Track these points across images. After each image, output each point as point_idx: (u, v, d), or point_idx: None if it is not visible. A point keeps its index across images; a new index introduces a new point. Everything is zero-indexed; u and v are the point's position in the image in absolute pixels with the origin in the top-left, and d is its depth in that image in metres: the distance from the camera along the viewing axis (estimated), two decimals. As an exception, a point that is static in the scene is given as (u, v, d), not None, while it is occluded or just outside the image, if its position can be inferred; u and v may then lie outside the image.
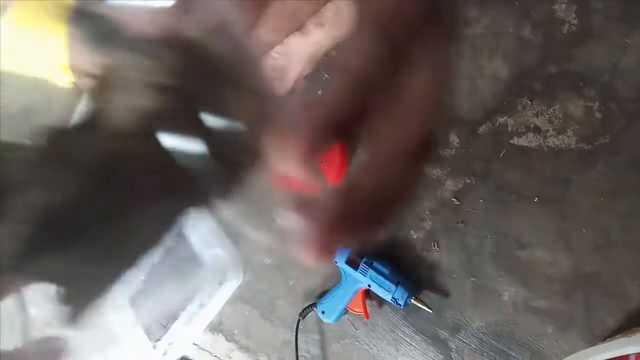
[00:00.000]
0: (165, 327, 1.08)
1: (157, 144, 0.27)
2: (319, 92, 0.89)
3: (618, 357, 0.55)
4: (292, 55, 0.82)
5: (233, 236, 1.01)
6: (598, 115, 0.66)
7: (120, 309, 1.11)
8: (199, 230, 1.03)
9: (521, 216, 0.72)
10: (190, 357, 1.07)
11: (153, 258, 1.00)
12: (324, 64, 0.86)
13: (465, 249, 0.76)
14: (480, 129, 0.75)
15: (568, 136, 0.68)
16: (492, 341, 0.74)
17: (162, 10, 0.30)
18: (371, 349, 0.85)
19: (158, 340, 1.09)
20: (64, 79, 1.05)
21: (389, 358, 0.83)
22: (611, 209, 0.66)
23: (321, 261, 0.25)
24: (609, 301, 0.66)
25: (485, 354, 0.75)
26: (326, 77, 0.88)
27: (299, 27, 0.81)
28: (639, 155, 0.65)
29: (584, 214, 0.68)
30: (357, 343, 0.86)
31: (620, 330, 0.65)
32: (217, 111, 0.28)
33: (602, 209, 0.66)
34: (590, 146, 0.67)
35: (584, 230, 0.68)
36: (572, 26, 0.68)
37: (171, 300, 1.07)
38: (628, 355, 0.55)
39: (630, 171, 0.65)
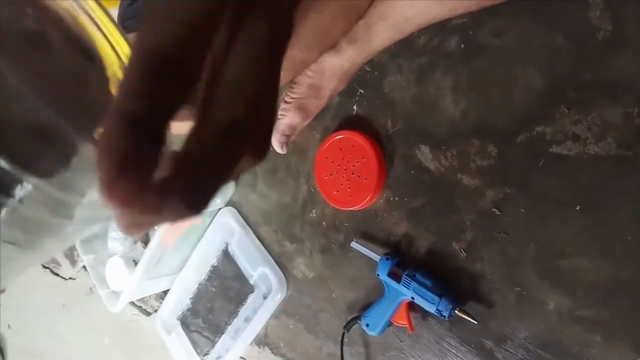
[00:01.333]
0: (213, 342, 1.11)
1: None
2: (354, 108, 0.91)
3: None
4: (326, 72, 0.84)
5: (276, 254, 1.03)
6: (637, 121, 0.65)
7: (171, 327, 1.16)
8: (245, 250, 1.06)
9: (562, 225, 0.72)
10: (238, 371, 1.10)
11: (201, 278, 1.05)
12: (358, 79, 0.89)
13: (508, 258, 0.76)
14: (519, 139, 0.75)
15: (608, 143, 0.68)
16: (539, 351, 0.74)
17: None
18: (417, 360, 0.86)
19: (206, 354, 1.12)
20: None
21: (434, 369, 0.84)
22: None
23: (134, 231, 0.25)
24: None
25: (532, 364, 0.75)
26: (361, 92, 0.90)
27: (332, 45, 0.82)
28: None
29: (625, 221, 0.67)
30: (402, 355, 0.87)
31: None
32: None
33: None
34: (630, 152, 0.66)
35: (628, 237, 0.67)
36: (606, 33, 0.67)
37: (218, 316, 1.10)
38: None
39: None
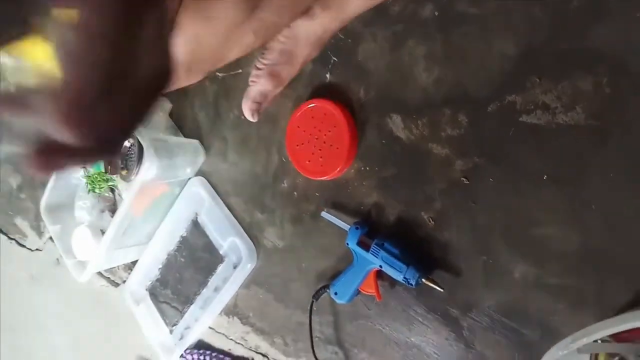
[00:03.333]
0: (182, 312, 1.11)
1: None
2: (327, 76, 0.90)
3: (627, 331, 0.56)
4: (299, 38, 0.82)
5: (247, 224, 1.02)
6: (607, 90, 0.66)
7: (140, 298, 1.14)
8: (215, 220, 1.05)
9: (531, 194, 0.72)
10: (206, 341, 1.09)
11: (171, 248, 1.03)
12: (331, 47, 0.87)
13: (476, 228, 0.76)
14: (489, 108, 0.74)
15: (577, 113, 0.68)
16: (504, 319, 0.75)
17: None
18: (384, 328, 0.86)
19: (175, 325, 1.12)
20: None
21: (402, 337, 0.84)
22: (621, 185, 0.66)
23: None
24: (619, 278, 0.66)
25: (497, 332, 0.75)
26: (334, 60, 0.89)
27: (305, 10, 0.81)
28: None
29: (594, 191, 0.67)
30: (370, 323, 0.87)
31: (631, 306, 0.65)
32: None
33: (612, 184, 0.66)
34: (599, 122, 0.66)
35: (593, 206, 0.67)
36: (581, 2, 0.67)
37: (188, 286, 1.10)
38: (637, 328, 0.56)
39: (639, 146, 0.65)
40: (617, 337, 0.59)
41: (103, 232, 1.10)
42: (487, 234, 0.76)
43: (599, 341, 0.63)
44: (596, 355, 0.64)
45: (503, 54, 0.73)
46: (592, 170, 0.67)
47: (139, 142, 1.00)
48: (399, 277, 0.79)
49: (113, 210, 1.13)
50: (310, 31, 0.80)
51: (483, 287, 0.76)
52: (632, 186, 0.65)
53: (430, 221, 0.80)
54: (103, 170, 1.09)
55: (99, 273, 1.29)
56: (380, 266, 0.81)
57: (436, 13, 0.79)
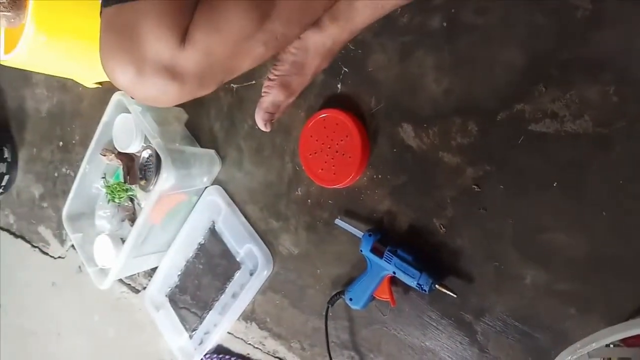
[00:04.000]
0: (201, 318, 1.13)
1: None
2: (338, 86, 0.92)
3: (637, 336, 0.57)
4: (310, 50, 0.84)
5: (262, 231, 1.04)
6: (615, 99, 0.67)
7: (159, 304, 1.17)
8: (231, 227, 1.07)
9: (540, 201, 0.73)
10: (225, 346, 1.12)
11: (189, 255, 1.07)
12: (341, 57, 0.89)
13: (486, 234, 0.78)
14: (499, 117, 0.76)
15: (585, 121, 0.69)
16: (516, 324, 0.76)
17: None
18: (399, 333, 0.88)
19: (194, 330, 1.14)
20: (91, 81, 1.11)
21: (416, 342, 0.86)
22: (629, 192, 0.67)
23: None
24: (629, 283, 0.67)
25: (510, 336, 0.77)
26: (345, 71, 0.91)
27: (314, 21, 0.83)
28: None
29: (602, 198, 0.68)
30: (385, 328, 0.89)
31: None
32: None
33: (620, 191, 0.67)
34: (607, 130, 0.68)
35: (603, 213, 0.68)
36: (585, 11, 0.68)
37: (206, 293, 1.12)
38: (646, 334, 0.57)
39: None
40: (627, 342, 0.60)
41: (123, 241, 1.13)
42: (498, 240, 0.77)
43: (612, 346, 0.64)
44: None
45: (511, 63, 0.74)
46: (601, 177, 0.68)
47: (156, 153, 1.03)
48: (412, 283, 0.80)
49: (132, 219, 1.15)
50: (320, 42, 0.82)
51: (495, 292, 0.78)
52: (638, 192, 0.66)
53: (441, 228, 0.82)
54: (122, 181, 1.12)
55: (120, 280, 1.32)
56: (394, 272, 0.83)
57: (444, 24, 0.80)
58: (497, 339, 0.78)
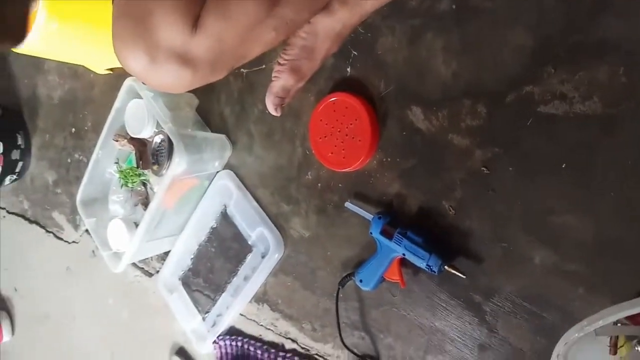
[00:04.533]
0: (214, 300, 1.15)
1: None
2: (348, 70, 0.92)
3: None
4: (319, 34, 0.85)
5: (273, 215, 1.06)
6: (624, 80, 0.67)
7: (173, 287, 1.19)
8: (243, 211, 1.09)
9: (550, 182, 0.74)
10: (238, 327, 1.14)
11: (201, 239, 1.10)
12: (351, 40, 0.89)
13: (495, 216, 0.78)
14: (508, 99, 0.76)
15: (594, 102, 0.69)
16: (524, 304, 0.77)
17: None
18: (408, 314, 0.89)
19: (207, 312, 1.16)
20: (102, 67, 1.13)
21: (426, 322, 0.87)
22: (638, 173, 0.67)
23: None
24: (637, 263, 0.68)
25: (518, 316, 0.78)
26: (354, 54, 0.91)
27: (324, 6, 0.83)
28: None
29: (610, 179, 0.69)
30: (394, 309, 0.91)
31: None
32: None
33: (629, 172, 0.67)
34: (616, 111, 0.68)
35: (611, 194, 0.69)
36: (595, -8, 0.68)
37: (219, 275, 1.14)
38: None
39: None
40: (634, 320, 0.61)
41: (136, 225, 1.15)
42: (507, 221, 0.78)
43: (619, 324, 0.65)
44: (615, 338, 0.66)
45: (519, 45, 0.75)
46: (610, 158, 0.69)
47: (168, 138, 1.04)
48: (422, 264, 0.82)
49: (145, 203, 1.17)
50: (329, 26, 0.82)
51: (504, 273, 0.79)
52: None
53: (451, 210, 0.83)
54: (135, 166, 1.13)
55: (133, 264, 1.34)
56: (404, 254, 0.84)
57: (453, 6, 0.80)
58: (506, 319, 0.79)
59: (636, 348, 0.64)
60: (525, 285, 0.77)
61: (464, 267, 0.81)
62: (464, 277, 0.80)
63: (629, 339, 0.65)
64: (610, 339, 0.66)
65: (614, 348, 0.66)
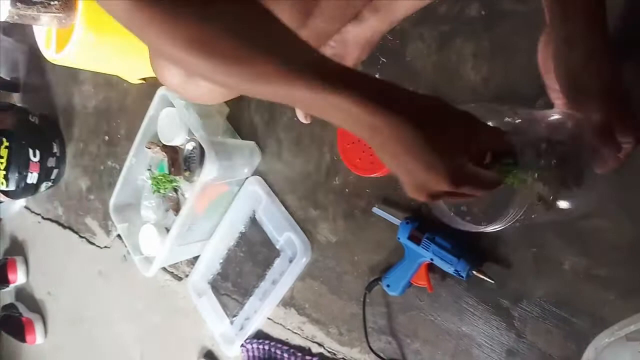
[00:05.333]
0: (242, 304, 1.17)
1: None
2: (377, 76, 0.93)
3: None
4: (349, 42, 0.86)
5: (301, 220, 1.07)
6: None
7: (202, 291, 1.21)
8: (271, 216, 1.10)
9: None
10: (265, 331, 1.15)
11: (230, 244, 1.11)
12: (380, 47, 0.91)
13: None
14: (537, 103, 0.76)
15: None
16: (554, 309, 0.77)
17: None
18: (436, 319, 0.89)
19: (235, 316, 1.18)
20: (135, 77, 1.16)
21: (453, 327, 0.87)
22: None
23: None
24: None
25: (547, 321, 0.77)
26: (383, 61, 0.92)
27: (354, 16, 0.84)
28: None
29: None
30: (422, 314, 0.91)
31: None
32: None
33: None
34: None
35: (643, 198, 0.68)
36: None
37: (247, 279, 1.16)
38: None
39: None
40: (667, 325, 0.60)
41: (168, 230, 1.18)
42: (536, 226, 0.77)
43: (651, 330, 0.64)
44: (647, 344, 0.65)
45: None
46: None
47: (200, 145, 1.06)
48: (450, 269, 0.82)
49: (177, 209, 1.20)
50: (359, 35, 0.83)
51: (533, 278, 0.78)
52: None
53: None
54: (167, 172, 1.16)
55: (163, 268, 1.37)
56: (432, 259, 0.84)
57: (483, 12, 0.81)
58: (535, 324, 0.79)
59: (669, 354, 0.63)
60: (555, 290, 0.77)
61: (492, 272, 0.81)
62: (493, 281, 0.80)
63: (661, 344, 0.64)
64: (642, 344, 0.65)
65: (647, 354, 0.65)
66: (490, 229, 0.65)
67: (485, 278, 0.81)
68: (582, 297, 0.74)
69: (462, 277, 0.81)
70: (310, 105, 0.48)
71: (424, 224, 0.88)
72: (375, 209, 0.94)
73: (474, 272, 0.81)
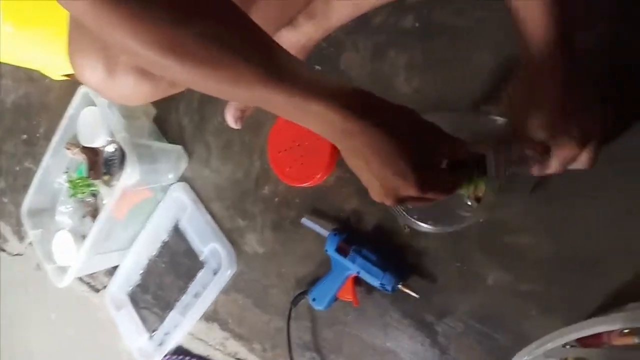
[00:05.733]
0: (162, 318, 1.10)
1: None
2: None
3: (593, 336, 0.57)
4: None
5: (228, 230, 1.03)
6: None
7: (120, 303, 1.14)
8: (196, 225, 1.05)
9: (507, 203, 0.74)
10: (186, 347, 1.09)
11: (152, 253, 1.04)
12: (314, 55, 0.89)
13: (451, 235, 0.77)
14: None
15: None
16: (477, 325, 0.76)
17: None
18: (361, 334, 0.87)
19: (154, 331, 1.11)
20: (58, 73, 1.08)
21: (378, 343, 0.85)
22: (592, 198, 0.67)
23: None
24: (589, 284, 0.68)
25: (471, 337, 0.76)
26: (317, 68, 0.90)
27: (290, 21, 0.82)
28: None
29: (566, 200, 0.69)
30: (347, 329, 0.88)
31: (601, 311, 0.66)
32: None
33: (583, 195, 0.68)
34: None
35: (566, 215, 0.69)
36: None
37: (168, 292, 1.10)
38: (601, 333, 0.57)
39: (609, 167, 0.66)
40: (583, 342, 0.60)
41: (84, 237, 1.10)
42: (462, 241, 0.77)
43: (568, 346, 0.64)
44: (564, 360, 0.65)
45: (481, 64, 0.75)
46: (565, 181, 0.69)
47: (121, 147, 1.00)
48: (375, 283, 0.80)
49: (94, 215, 1.12)
50: (294, 40, 0.81)
51: (457, 293, 0.78)
52: (601, 194, 0.67)
53: (406, 228, 0.81)
54: (85, 175, 1.09)
55: (80, 278, 1.28)
56: (358, 272, 0.82)
57: (417, 24, 0.81)
58: (458, 340, 0.78)
59: (585, 370, 0.63)
60: (479, 306, 0.76)
61: (418, 286, 0.79)
62: (417, 296, 0.79)
63: (578, 360, 0.64)
64: (560, 361, 0.65)
65: (563, 370, 0.65)
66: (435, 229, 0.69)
67: (411, 292, 0.79)
68: (504, 313, 0.74)
69: (387, 290, 0.79)
70: (284, 109, 0.47)
71: (352, 236, 0.86)
72: (303, 220, 0.91)
73: (400, 286, 0.80)
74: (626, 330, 0.58)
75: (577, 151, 0.57)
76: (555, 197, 0.70)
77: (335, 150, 0.87)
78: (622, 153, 0.65)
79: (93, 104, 1.06)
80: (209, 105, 1.04)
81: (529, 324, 0.72)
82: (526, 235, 0.73)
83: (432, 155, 0.53)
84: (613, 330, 0.58)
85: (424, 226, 0.74)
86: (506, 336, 0.74)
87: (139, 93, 0.63)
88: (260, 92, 0.45)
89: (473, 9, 0.75)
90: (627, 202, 0.66)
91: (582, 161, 0.59)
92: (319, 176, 0.88)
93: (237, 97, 0.49)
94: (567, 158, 0.58)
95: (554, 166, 0.59)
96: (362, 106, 0.48)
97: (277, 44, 0.48)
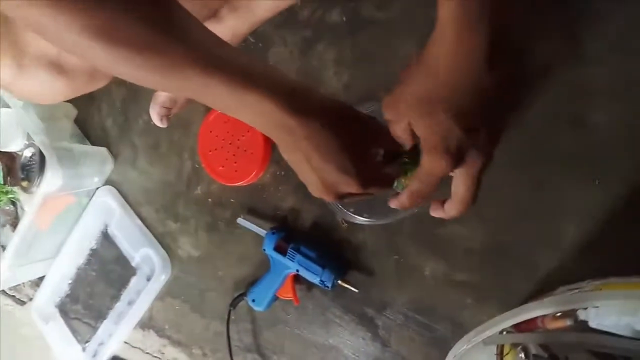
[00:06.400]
0: (95, 328, 1.06)
1: None
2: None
3: (527, 321, 0.59)
4: (208, 42, 0.80)
5: (159, 234, 0.99)
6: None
7: (48, 316, 1.08)
8: (126, 231, 1.01)
9: (439, 195, 0.74)
10: (122, 356, 1.05)
11: (80, 262, 0.98)
12: (243, 50, 0.86)
13: (387, 228, 0.78)
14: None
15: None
16: (416, 316, 0.77)
17: None
18: (302, 332, 0.86)
19: (87, 342, 1.06)
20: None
21: (320, 340, 0.85)
22: (519, 181, 0.69)
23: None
24: (521, 271, 0.70)
25: (410, 329, 0.77)
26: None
27: (213, 13, 0.79)
28: (543, 132, 0.68)
29: (496, 187, 0.70)
30: (288, 328, 0.87)
31: (533, 296, 0.68)
32: None
33: (511, 181, 0.69)
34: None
35: (497, 203, 0.71)
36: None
37: (100, 301, 1.05)
38: (535, 318, 0.59)
39: (536, 144, 0.68)
40: (518, 328, 0.62)
41: (4, 248, 1.03)
42: (398, 234, 0.77)
43: (504, 332, 0.66)
44: (502, 347, 0.67)
45: (408, 55, 0.75)
46: (492, 167, 0.70)
47: (40, 151, 0.94)
48: (315, 279, 0.79)
49: (15, 224, 1.05)
50: (219, 34, 0.78)
51: (396, 285, 0.78)
52: (527, 181, 0.69)
53: (343, 223, 0.81)
54: (2, 182, 1.01)
55: (3, 291, 1.21)
56: (297, 270, 0.81)
57: (344, 18, 0.80)
58: (399, 332, 0.78)
59: (520, 355, 0.65)
60: (417, 297, 0.77)
61: (357, 280, 0.79)
62: (357, 291, 0.79)
63: (514, 346, 0.66)
64: (497, 347, 0.67)
65: (501, 356, 0.66)
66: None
67: (350, 287, 0.79)
68: (442, 303, 0.75)
69: (327, 287, 0.79)
70: (220, 99, 0.45)
71: (290, 234, 0.84)
72: (240, 220, 0.89)
73: (339, 281, 0.79)
74: (559, 314, 0.61)
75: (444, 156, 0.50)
76: (485, 187, 0.71)
77: (269, 146, 0.85)
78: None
79: (7, 105, 0.99)
80: (133, 105, 0.99)
81: (466, 313, 0.73)
82: (458, 225, 0.74)
83: (371, 149, 0.52)
84: (546, 315, 0.60)
85: (360, 219, 0.76)
86: (445, 326, 0.75)
87: (52, 90, 0.59)
88: (197, 80, 0.43)
89: (398, 1, 0.75)
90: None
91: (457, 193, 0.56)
92: (253, 174, 0.86)
93: (172, 86, 0.46)
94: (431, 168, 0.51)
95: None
96: (301, 100, 0.46)
97: (213, 32, 0.46)
